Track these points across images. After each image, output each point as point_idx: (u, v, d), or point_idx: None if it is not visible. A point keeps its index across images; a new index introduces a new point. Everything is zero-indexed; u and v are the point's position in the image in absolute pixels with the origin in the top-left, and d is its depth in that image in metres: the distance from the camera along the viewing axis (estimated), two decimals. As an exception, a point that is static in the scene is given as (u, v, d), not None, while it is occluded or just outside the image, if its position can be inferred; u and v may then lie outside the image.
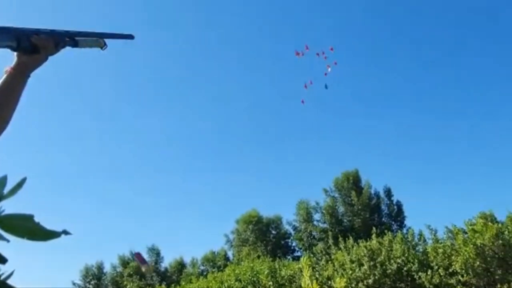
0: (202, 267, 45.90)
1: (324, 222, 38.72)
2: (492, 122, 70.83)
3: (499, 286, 19.71)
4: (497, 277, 20.49)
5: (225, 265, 37.79)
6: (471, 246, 20.90)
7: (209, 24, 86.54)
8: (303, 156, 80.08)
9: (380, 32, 77.70)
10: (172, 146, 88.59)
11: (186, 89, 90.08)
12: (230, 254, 46.27)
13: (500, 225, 22.05)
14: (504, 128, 72.26)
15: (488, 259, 20.84)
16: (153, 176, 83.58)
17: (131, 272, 45.90)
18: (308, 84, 20.79)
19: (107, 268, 49.38)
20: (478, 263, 20.72)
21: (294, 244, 43.00)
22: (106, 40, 2.31)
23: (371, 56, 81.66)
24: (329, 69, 19.77)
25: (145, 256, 47.96)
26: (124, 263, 47.93)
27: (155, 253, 48.17)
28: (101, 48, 2.31)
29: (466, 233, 22.53)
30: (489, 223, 21.93)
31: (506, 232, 21.11)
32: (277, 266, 28.53)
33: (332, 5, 78.36)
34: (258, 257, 36.26)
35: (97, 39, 2.29)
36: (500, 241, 20.82)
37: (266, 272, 27.18)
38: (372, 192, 38.53)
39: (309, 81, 21.08)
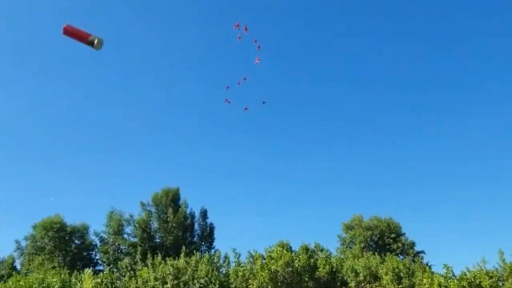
0: (-22, 276, 38.73)
1: (135, 236, 37.32)
2: (295, 160, 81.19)
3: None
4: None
5: (10, 275, 32.71)
6: (267, 271, 22.92)
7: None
8: (123, 166, 76.90)
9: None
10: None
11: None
12: (18, 263, 40.49)
13: (293, 253, 24.84)
14: (295, 166, 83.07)
15: (279, 283, 23.17)
16: None
17: None
18: (237, 83, 19.65)
19: None
20: (270, 287, 22.79)
21: (98, 257, 40.04)
22: None
23: (206, 87, 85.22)
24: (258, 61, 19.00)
25: None
26: None
27: None
28: None
29: (264, 258, 24.65)
30: (284, 251, 24.51)
31: (296, 261, 23.84)
32: (73, 280, 26.03)
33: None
34: (53, 268, 32.53)
35: None
36: (290, 268, 23.39)
37: (57, 286, 24.50)
38: (188, 211, 39.09)
39: (238, 82, 19.79)
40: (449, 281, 21.70)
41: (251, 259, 25.77)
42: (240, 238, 68.24)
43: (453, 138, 78.42)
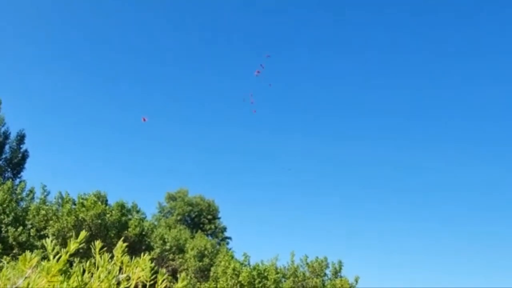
0: None
1: None
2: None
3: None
4: (81, 251, 21.66)
5: None
6: (73, 217, 21.45)
7: None
8: None
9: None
10: None
11: None
12: None
13: (107, 207, 23.80)
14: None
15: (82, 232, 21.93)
16: None
17: None
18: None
19: None
20: (71, 233, 21.35)
21: None
22: None
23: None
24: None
25: None
26: None
27: None
28: None
29: (75, 204, 23.03)
30: (99, 203, 23.31)
31: (108, 215, 22.91)
32: None
33: None
34: None
35: None
36: (100, 221, 22.37)
37: None
38: (3, 130, 34.08)
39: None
40: (243, 268, 23.68)
41: (59, 201, 23.80)
42: (56, 177, 62.91)
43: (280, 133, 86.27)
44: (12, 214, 20.54)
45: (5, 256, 17.71)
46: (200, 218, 41.83)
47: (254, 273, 23.21)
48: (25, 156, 35.23)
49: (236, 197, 78.79)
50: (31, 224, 20.99)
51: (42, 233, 20.65)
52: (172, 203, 43.19)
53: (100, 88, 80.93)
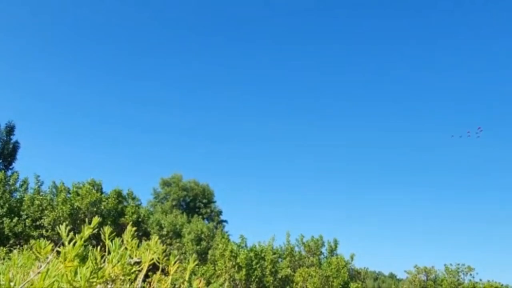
0: None
1: None
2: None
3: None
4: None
5: None
6: (69, 206, 21.42)
7: None
8: None
9: None
10: None
11: None
12: None
13: (102, 195, 23.77)
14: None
15: (78, 222, 21.87)
16: None
17: None
18: None
19: None
20: (67, 222, 21.36)
21: None
22: None
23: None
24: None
25: None
26: None
27: None
28: None
29: (70, 193, 22.97)
30: (94, 191, 23.25)
31: (104, 203, 22.89)
32: None
33: None
34: None
35: None
36: (95, 209, 22.37)
37: None
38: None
39: None
40: (240, 249, 23.93)
41: (54, 190, 23.71)
42: (49, 167, 62.57)
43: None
44: (6, 205, 20.45)
45: (2, 247, 17.72)
46: (196, 203, 41.95)
47: (252, 254, 23.51)
48: (16, 147, 34.87)
49: (229, 180, 79.12)
50: (26, 214, 20.94)
51: (38, 223, 20.62)
52: (167, 189, 43.19)
53: (93, 78, 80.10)
